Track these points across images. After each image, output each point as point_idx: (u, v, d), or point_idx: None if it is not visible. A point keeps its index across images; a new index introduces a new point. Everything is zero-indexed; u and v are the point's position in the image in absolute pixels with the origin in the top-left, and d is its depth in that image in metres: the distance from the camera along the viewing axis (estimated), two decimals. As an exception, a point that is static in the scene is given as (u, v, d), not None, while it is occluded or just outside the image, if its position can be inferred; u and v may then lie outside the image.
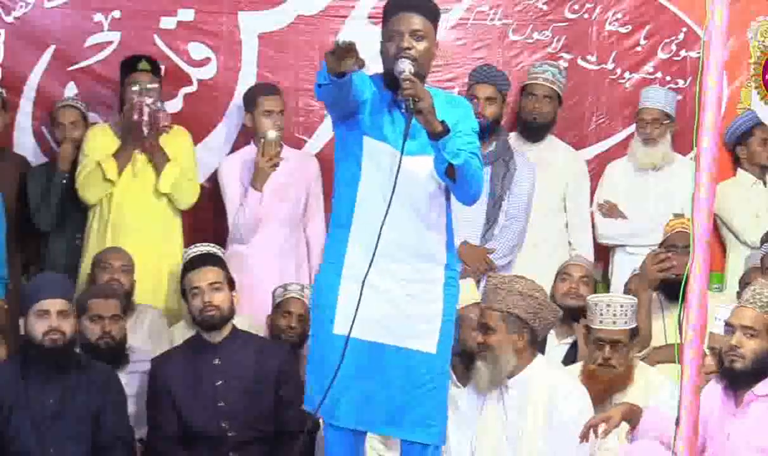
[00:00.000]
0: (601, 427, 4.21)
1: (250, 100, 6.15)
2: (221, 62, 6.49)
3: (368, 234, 3.84)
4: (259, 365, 5.08)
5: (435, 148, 3.78)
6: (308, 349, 4.12)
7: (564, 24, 6.64)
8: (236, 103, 6.48)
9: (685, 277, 2.93)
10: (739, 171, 6.56)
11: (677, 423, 2.98)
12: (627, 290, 5.71)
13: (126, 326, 5.33)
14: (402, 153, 3.76)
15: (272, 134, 5.92)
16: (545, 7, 6.62)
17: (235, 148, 6.43)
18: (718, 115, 2.86)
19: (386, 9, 3.99)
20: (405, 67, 3.76)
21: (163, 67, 6.27)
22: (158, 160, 6.02)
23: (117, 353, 5.18)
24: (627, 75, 6.68)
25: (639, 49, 6.69)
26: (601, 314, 4.96)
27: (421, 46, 3.90)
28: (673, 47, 6.68)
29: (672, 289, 5.64)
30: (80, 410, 4.75)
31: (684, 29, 6.66)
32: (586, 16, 6.64)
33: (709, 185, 2.78)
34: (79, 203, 6.10)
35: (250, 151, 6.13)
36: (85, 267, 5.95)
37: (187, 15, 6.45)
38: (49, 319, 4.71)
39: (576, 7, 6.63)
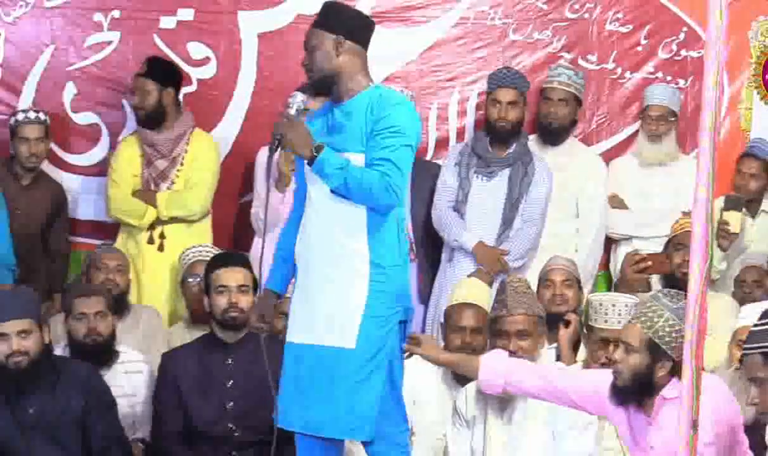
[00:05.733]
0: None
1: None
2: (221, 62, 6.49)
3: (302, 241, 4.20)
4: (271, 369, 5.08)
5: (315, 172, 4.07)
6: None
7: (564, 23, 6.64)
8: (236, 102, 6.49)
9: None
10: None
11: (679, 422, 2.97)
12: (618, 289, 5.72)
13: (118, 325, 5.31)
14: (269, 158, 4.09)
15: None
16: (545, 7, 6.62)
17: (234, 148, 6.45)
18: (718, 115, 2.85)
19: None
20: (293, 102, 4.13)
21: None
22: (147, 200, 6.11)
23: (105, 350, 5.15)
24: (627, 75, 6.68)
25: (639, 48, 6.68)
26: (606, 314, 4.96)
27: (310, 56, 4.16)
28: (674, 47, 6.68)
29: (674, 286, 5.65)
30: (63, 415, 4.71)
31: (684, 29, 6.66)
32: (586, 15, 6.64)
33: (708, 185, 2.77)
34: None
35: None
36: None
37: (186, 14, 6.45)
38: (8, 341, 4.61)
39: (576, 6, 6.63)
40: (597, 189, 6.33)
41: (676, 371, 3.79)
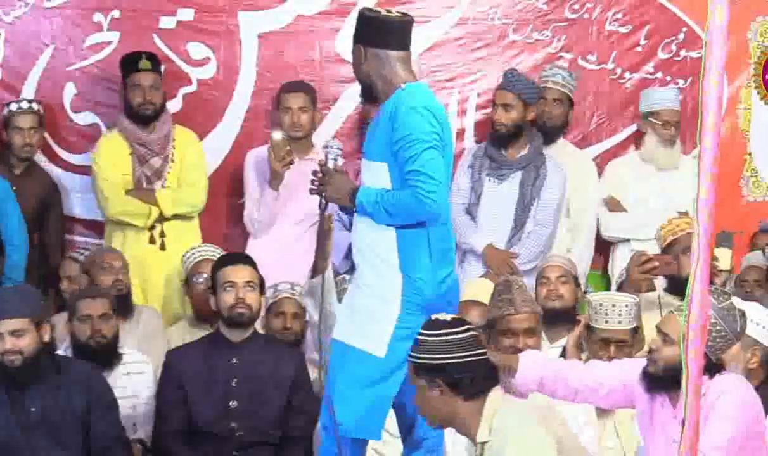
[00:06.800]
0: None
1: (277, 99, 6.25)
2: (221, 62, 6.48)
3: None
4: (275, 369, 5.10)
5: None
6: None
7: (564, 24, 6.64)
8: (236, 102, 6.49)
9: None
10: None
11: (682, 424, 2.96)
12: (620, 289, 5.72)
13: (118, 326, 5.30)
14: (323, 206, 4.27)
15: (277, 135, 5.96)
16: (545, 7, 6.62)
17: (234, 148, 6.46)
18: (719, 115, 2.85)
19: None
20: (329, 153, 4.25)
21: (162, 66, 6.27)
22: (147, 199, 6.09)
23: (109, 352, 5.16)
24: (627, 75, 6.69)
25: (639, 49, 6.69)
26: (607, 314, 4.97)
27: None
28: (673, 47, 6.68)
29: (678, 287, 5.64)
30: (65, 415, 4.71)
31: (684, 29, 6.67)
32: (586, 15, 6.65)
33: (710, 185, 2.77)
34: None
35: None
36: None
37: (186, 15, 6.45)
38: (1, 340, 4.61)
39: (576, 6, 6.63)
40: (589, 189, 6.38)
41: (709, 369, 3.77)
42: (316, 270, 5.53)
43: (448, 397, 3.59)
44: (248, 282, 5.14)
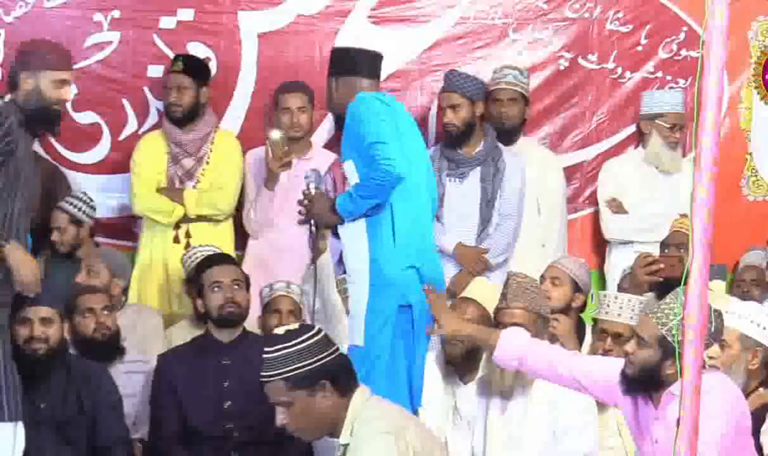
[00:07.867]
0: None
1: (275, 99, 6.25)
2: (221, 62, 6.48)
3: None
4: None
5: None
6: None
7: (564, 23, 6.64)
8: (236, 102, 6.49)
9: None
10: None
11: (678, 423, 2.96)
12: (620, 289, 5.73)
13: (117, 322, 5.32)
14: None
15: (276, 134, 5.96)
16: (546, 6, 6.62)
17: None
18: (718, 115, 2.85)
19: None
20: (309, 182, 4.82)
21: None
22: (174, 198, 6.13)
23: (113, 345, 5.19)
24: (628, 74, 6.68)
25: (640, 48, 6.69)
26: (608, 306, 5.04)
27: None
28: (674, 47, 6.68)
29: (666, 289, 5.64)
30: (72, 412, 4.74)
31: (684, 29, 6.66)
32: (586, 15, 6.64)
33: (709, 185, 2.77)
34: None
35: None
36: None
37: (186, 14, 6.46)
38: (30, 327, 4.67)
39: (576, 6, 6.63)
40: (556, 183, 6.40)
41: None
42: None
43: (331, 398, 3.62)
44: (235, 281, 5.14)
